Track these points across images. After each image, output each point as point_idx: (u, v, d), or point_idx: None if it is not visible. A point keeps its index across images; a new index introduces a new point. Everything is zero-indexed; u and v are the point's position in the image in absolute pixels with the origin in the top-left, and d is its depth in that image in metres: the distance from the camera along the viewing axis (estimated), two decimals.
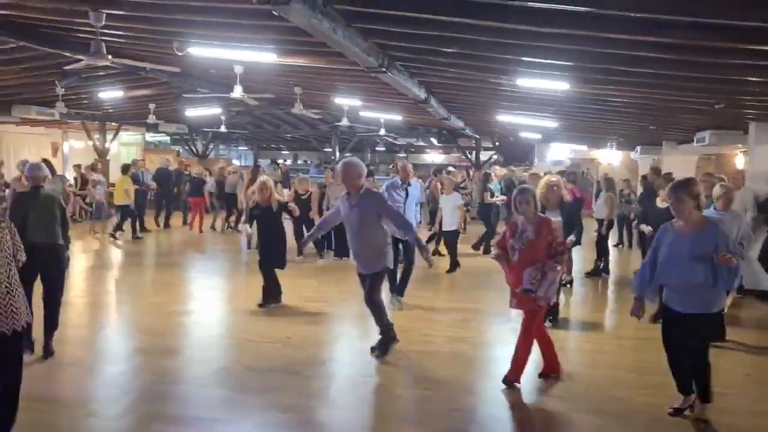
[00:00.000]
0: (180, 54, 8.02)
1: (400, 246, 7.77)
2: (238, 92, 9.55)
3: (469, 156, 22.16)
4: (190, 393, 5.22)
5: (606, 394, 5.24)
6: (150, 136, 24.23)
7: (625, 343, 6.79)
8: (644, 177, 12.34)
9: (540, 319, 5.42)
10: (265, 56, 8.07)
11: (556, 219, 6.96)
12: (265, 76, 10.75)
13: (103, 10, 6.45)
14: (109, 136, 18.66)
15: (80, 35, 8.04)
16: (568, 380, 5.48)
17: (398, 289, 8.00)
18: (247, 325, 7.24)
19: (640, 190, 13.18)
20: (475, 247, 12.99)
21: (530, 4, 4.79)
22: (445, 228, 10.47)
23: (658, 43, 5.34)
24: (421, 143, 26.24)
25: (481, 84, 8.84)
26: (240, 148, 30.86)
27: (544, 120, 12.53)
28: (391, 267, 6.23)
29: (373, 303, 5.99)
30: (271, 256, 7.97)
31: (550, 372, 5.48)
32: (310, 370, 5.68)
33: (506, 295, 5.46)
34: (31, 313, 4.20)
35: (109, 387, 5.34)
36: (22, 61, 10.21)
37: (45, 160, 12.62)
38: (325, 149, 24.25)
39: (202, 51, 7.99)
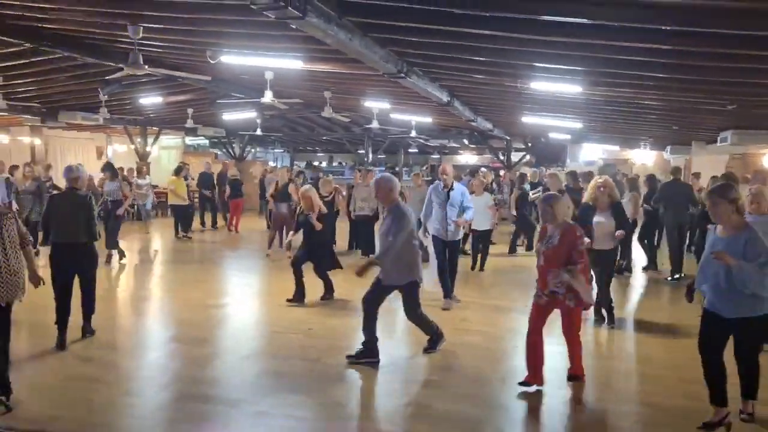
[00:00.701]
0: (213, 62, 8.51)
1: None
2: (268, 97, 10.00)
3: (501, 157, 22.35)
4: (218, 376, 5.66)
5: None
6: (189, 140, 25.02)
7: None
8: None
9: (576, 319, 5.48)
10: (292, 63, 8.50)
11: (607, 221, 7.10)
12: (295, 81, 11.20)
13: (141, 24, 6.97)
14: (150, 140, 19.43)
15: (120, 46, 8.62)
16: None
17: (448, 292, 8.24)
18: (275, 318, 7.68)
19: None
20: (511, 251, 13.27)
21: (541, 17, 5.11)
22: (477, 228, 10.68)
23: (666, 50, 5.58)
24: (454, 144, 26.43)
25: (501, 87, 9.13)
26: (276, 150, 31.52)
27: (568, 121, 12.71)
28: (420, 280, 6.13)
29: (415, 316, 6.17)
30: (320, 259, 8.42)
31: (577, 373, 5.54)
32: (328, 357, 6.08)
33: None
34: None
35: (145, 369, 5.84)
36: (68, 69, 10.89)
37: (108, 163, 13.41)
38: (359, 151, 24.64)
39: (233, 59, 8.48)
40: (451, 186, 8.19)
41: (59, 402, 4.93)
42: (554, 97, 9.11)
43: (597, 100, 8.98)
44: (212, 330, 7.30)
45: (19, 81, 11.66)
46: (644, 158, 21.95)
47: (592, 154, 23.62)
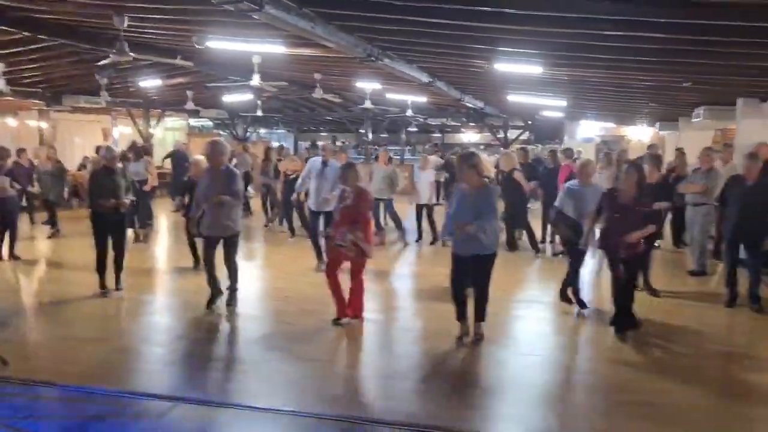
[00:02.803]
0: (199, 47, 8.98)
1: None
2: (256, 80, 10.46)
3: (499, 135, 22.73)
4: (223, 339, 6.27)
5: None
6: (194, 121, 25.57)
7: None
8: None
9: (361, 267, 6.42)
10: (275, 48, 8.95)
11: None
12: (285, 64, 11.65)
13: (127, 14, 7.46)
14: (153, 122, 19.99)
15: (112, 32, 9.11)
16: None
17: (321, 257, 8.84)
18: (262, 286, 8.25)
19: None
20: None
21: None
22: (422, 202, 11.51)
23: (613, 36, 6.00)
24: (455, 123, 26.79)
25: (474, 68, 9.55)
26: (279, 131, 32.02)
27: (551, 99, 13.08)
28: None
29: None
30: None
31: (357, 315, 6.47)
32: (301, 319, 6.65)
33: None
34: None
35: (157, 331, 6.50)
36: (68, 55, 11.43)
37: (134, 143, 14.01)
38: (359, 131, 25.08)
39: (218, 44, 8.94)
40: (327, 162, 8.96)
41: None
42: (525, 77, 9.51)
43: (563, 79, 9.38)
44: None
45: (23, 67, 12.23)
46: (640, 135, 22.22)
47: (590, 131, 23.87)
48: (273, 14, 5.49)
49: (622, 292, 6.15)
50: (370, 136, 23.14)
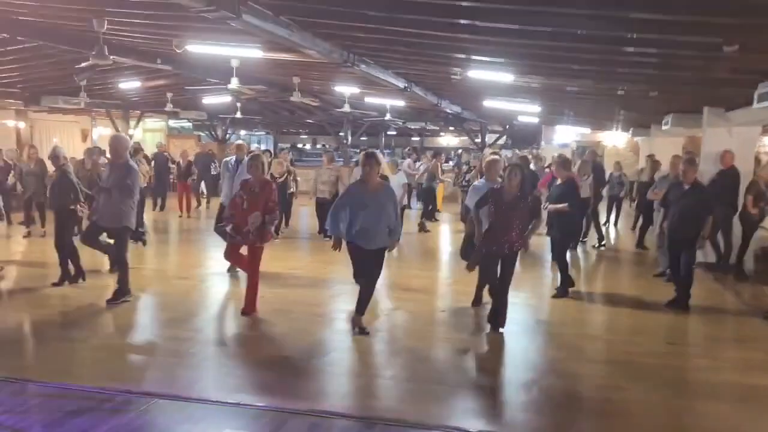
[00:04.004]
0: (179, 51, 9.10)
1: None
2: (234, 84, 10.58)
3: (476, 140, 23.03)
4: (197, 337, 6.38)
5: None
6: (173, 122, 25.56)
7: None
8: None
9: (258, 255, 6.99)
10: (253, 52, 9.09)
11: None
12: (263, 67, 11.77)
13: (107, 17, 7.55)
14: (133, 123, 19.99)
15: (92, 35, 9.18)
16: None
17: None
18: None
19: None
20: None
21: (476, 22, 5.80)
22: None
23: (576, 47, 6.28)
24: (434, 127, 27.07)
25: (446, 75, 9.77)
26: (259, 133, 32.08)
27: (525, 105, 13.35)
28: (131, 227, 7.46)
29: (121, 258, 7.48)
30: None
31: (247, 310, 6.88)
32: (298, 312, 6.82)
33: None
34: None
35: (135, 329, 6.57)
36: (47, 56, 11.43)
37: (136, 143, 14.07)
38: (339, 134, 25.21)
39: (198, 48, 9.07)
40: (242, 160, 9.18)
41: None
42: (499, 84, 9.75)
43: (536, 87, 9.65)
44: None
45: (2, 67, 12.22)
46: (615, 140, 22.66)
47: (566, 136, 24.29)
48: (250, 22, 5.66)
49: (499, 288, 6.53)
50: (350, 139, 23.28)
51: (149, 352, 5.99)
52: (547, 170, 13.53)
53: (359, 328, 6.31)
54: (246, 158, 9.03)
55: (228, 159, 9.64)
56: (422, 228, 14.01)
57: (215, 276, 8.96)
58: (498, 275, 6.53)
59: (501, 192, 6.47)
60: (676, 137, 15.52)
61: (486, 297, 7.06)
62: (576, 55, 6.77)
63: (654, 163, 12.88)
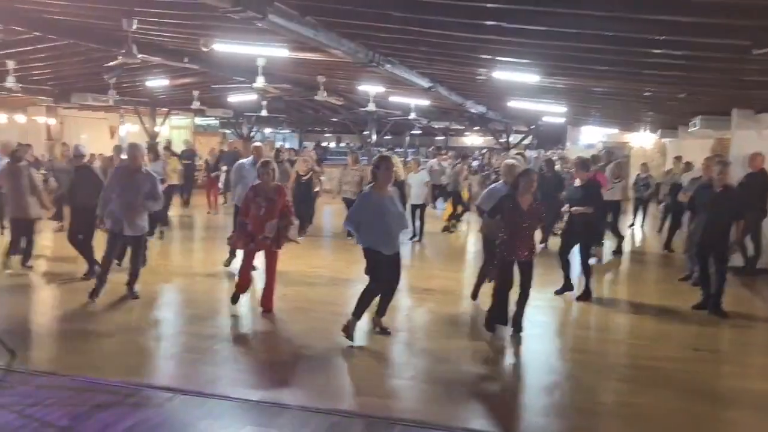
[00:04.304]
0: (205, 50, 9.19)
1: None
2: (260, 82, 10.66)
3: (501, 139, 22.90)
4: (222, 334, 6.47)
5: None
6: (199, 120, 25.82)
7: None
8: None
9: (276, 260, 7.05)
10: (279, 51, 9.15)
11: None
12: (289, 66, 11.86)
13: (135, 17, 7.66)
14: (160, 120, 20.25)
15: (120, 33, 9.32)
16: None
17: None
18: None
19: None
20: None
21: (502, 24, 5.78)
22: (413, 202, 12.00)
23: (607, 49, 6.24)
24: (458, 126, 27.00)
25: (472, 75, 9.75)
26: (284, 131, 32.27)
27: (550, 105, 13.26)
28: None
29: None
30: None
31: (266, 307, 6.97)
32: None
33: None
34: None
35: (160, 326, 6.69)
36: (76, 54, 11.63)
37: (151, 144, 14.30)
38: (363, 133, 25.28)
39: (224, 47, 9.15)
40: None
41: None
42: (524, 85, 9.70)
43: (562, 87, 9.58)
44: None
45: (32, 65, 12.45)
46: (642, 141, 22.35)
47: (592, 137, 24.07)
48: (276, 23, 5.71)
49: (520, 295, 6.42)
50: (374, 138, 23.31)
51: (172, 347, 6.08)
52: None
53: (380, 328, 6.33)
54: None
55: (244, 161, 9.55)
56: (449, 228, 14.01)
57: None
58: (517, 280, 6.45)
59: (514, 198, 6.35)
60: (704, 139, 15.28)
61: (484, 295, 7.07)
62: (602, 56, 6.73)
63: (686, 164, 12.66)
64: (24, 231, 8.69)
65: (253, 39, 8.66)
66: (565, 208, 7.94)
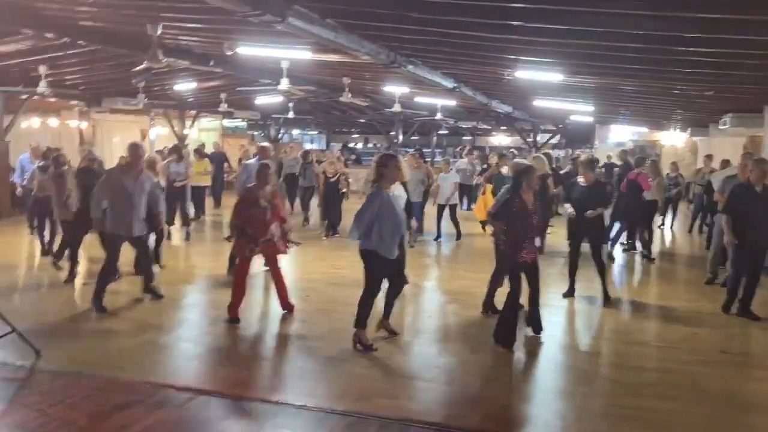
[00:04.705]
0: (230, 53, 9.28)
1: None
2: (284, 84, 10.73)
3: (528, 139, 22.72)
4: (244, 335, 6.54)
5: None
6: (227, 122, 26.08)
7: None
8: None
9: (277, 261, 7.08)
10: (302, 54, 9.20)
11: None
12: (313, 68, 11.91)
13: (160, 23, 7.77)
14: (188, 123, 20.53)
15: (147, 38, 9.47)
16: None
17: None
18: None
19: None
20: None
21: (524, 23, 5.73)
22: (441, 202, 12.14)
23: (634, 47, 6.15)
24: (486, 126, 26.83)
25: (496, 75, 9.67)
26: (312, 132, 32.44)
27: (577, 104, 13.11)
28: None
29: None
30: None
31: (286, 307, 7.03)
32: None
33: None
34: None
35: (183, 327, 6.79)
36: (106, 59, 11.85)
37: (175, 146, 14.55)
38: (390, 133, 25.30)
39: (248, 50, 9.23)
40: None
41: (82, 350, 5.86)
42: (549, 84, 9.60)
43: (587, 86, 9.47)
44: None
45: (64, 70, 12.72)
46: (673, 139, 21.99)
47: (622, 135, 23.75)
48: (296, 25, 5.73)
49: (531, 298, 6.33)
50: (401, 138, 23.32)
51: (194, 348, 6.13)
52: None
53: (388, 331, 6.31)
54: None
55: (250, 161, 9.67)
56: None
57: (263, 274, 9.07)
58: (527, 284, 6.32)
59: (520, 196, 6.18)
60: (736, 137, 14.97)
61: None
62: (629, 54, 6.61)
63: (723, 162, 12.30)
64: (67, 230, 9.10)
65: (275, 41, 8.74)
66: (570, 210, 7.73)
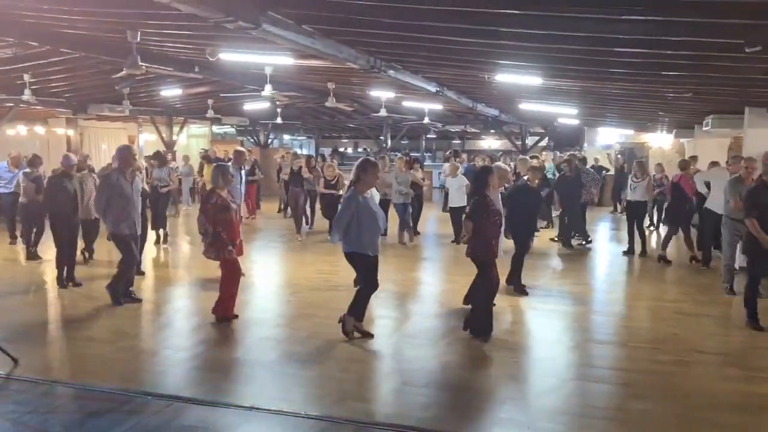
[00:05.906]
0: (212, 59, 9.30)
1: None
2: (268, 90, 10.74)
3: (516, 142, 22.78)
4: (225, 341, 6.53)
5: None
6: (217, 128, 26.08)
7: None
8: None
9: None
10: (285, 60, 9.23)
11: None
12: (297, 74, 11.94)
13: (139, 29, 7.78)
14: (176, 129, 20.52)
15: (128, 44, 9.47)
16: None
17: None
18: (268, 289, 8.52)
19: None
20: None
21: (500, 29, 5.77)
22: (452, 205, 12.57)
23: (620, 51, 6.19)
24: (475, 129, 26.90)
25: (477, 78, 9.72)
26: (300, 137, 32.45)
27: (562, 107, 13.17)
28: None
29: None
30: None
31: (222, 314, 6.93)
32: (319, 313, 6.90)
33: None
34: None
35: (164, 334, 6.74)
36: (90, 67, 11.85)
37: (157, 152, 14.55)
38: (379, 137, 25.36)
39: (230, 56, 9.25)
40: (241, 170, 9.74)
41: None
42: (531, 87, 9.65)
43: (569, 89, 9.53)
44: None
45: (49, 77, 12.70)
46: (660, 141, 22.08)
47: (609, 138, 23.88)
48: (271, 31, 5.74)
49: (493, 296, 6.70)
50: (390, 142, 23.36)
51: (171, 354, 6.10)
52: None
53: (360, 332, 6.39)
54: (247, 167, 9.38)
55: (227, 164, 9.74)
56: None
57: (258, 281, 9.09)
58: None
59: (486, 197, 6.56)
60: (721, 138, 15.06)
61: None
62: (600, 58, 6.67)
63: (712, 164, 12.28)
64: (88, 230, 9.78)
65: (256, 48, 8.76)
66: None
